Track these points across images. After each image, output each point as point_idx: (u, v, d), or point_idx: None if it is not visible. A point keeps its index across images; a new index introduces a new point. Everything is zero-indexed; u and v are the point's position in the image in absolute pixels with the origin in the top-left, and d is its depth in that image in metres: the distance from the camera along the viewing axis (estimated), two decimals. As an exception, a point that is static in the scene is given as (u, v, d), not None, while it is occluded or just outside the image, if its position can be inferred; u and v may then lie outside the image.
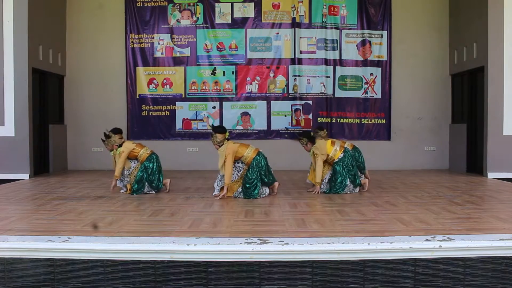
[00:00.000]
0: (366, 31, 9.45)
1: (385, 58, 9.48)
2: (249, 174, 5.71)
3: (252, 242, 3.49)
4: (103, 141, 6.18)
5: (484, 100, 8.03)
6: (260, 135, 9.44)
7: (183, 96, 9.48)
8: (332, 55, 9.45)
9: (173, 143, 9.34)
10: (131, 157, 6.10)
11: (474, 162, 8.55)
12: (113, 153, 6.18)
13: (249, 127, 9.47)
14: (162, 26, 9.45)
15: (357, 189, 6.21)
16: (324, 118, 9.44)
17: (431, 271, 3.45)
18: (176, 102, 9.46)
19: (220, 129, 5.90)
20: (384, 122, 9.49)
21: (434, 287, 3.46)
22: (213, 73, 9.47)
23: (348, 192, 6.10)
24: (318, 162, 6.04)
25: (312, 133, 6.45)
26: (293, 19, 9.43)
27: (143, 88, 9.46)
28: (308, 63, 9.45)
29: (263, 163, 5.81)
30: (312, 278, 3.42)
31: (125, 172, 6.12)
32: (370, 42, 9.46)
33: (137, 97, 9.42)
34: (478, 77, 8.44)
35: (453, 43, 9.28)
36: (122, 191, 6.21)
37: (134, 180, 6.05)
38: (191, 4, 9.44)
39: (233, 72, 9.36)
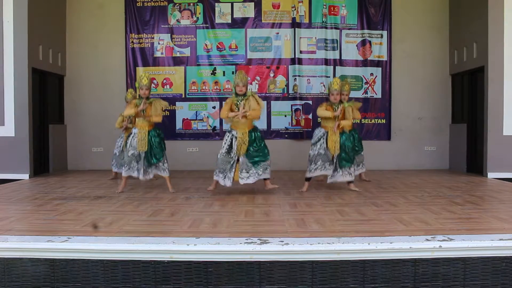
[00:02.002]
0: (366, 31, 9.44)
1: (385, 58, 9.47)
2: None
3: (252, 242, 3.48)
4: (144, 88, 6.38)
5: (484, 100, 8.02)
6: (260, 135, 9.43)
7: (183, 96, 9.47)
8: (332, 55, 9.44)
9: (173, 143, 9.28)
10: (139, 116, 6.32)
11: (474, 162, 8.55)
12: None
13: (249, 127, 9.45)
14: (162, 26, 9.43)
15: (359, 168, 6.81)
16: (324, 118, 9.44)
17: (431, 271, 3.45)
18: (176, 102, 9.45)
19: None
20: (384, 122, 9.48)
21: (434, 287, 3.46)
22: (213, 73, 9.46)
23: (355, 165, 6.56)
24: (352, 115, 6.25)
25: None
26: (293, 19, 9.42)
27: (143, 88, 9.45)
28: (308, 63, 9.43)
29: None
30: (312, 278, 3.42)
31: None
32: (370, 42, 9.45)
33: (137, 97, 9.40)
34: (478, 77, 8.43)
35: (453, 43, 9.28)
36: (117, 191, 6.21)
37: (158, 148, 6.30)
38: (191, 4, 9.43)
39: (233, 72, 9.34)
